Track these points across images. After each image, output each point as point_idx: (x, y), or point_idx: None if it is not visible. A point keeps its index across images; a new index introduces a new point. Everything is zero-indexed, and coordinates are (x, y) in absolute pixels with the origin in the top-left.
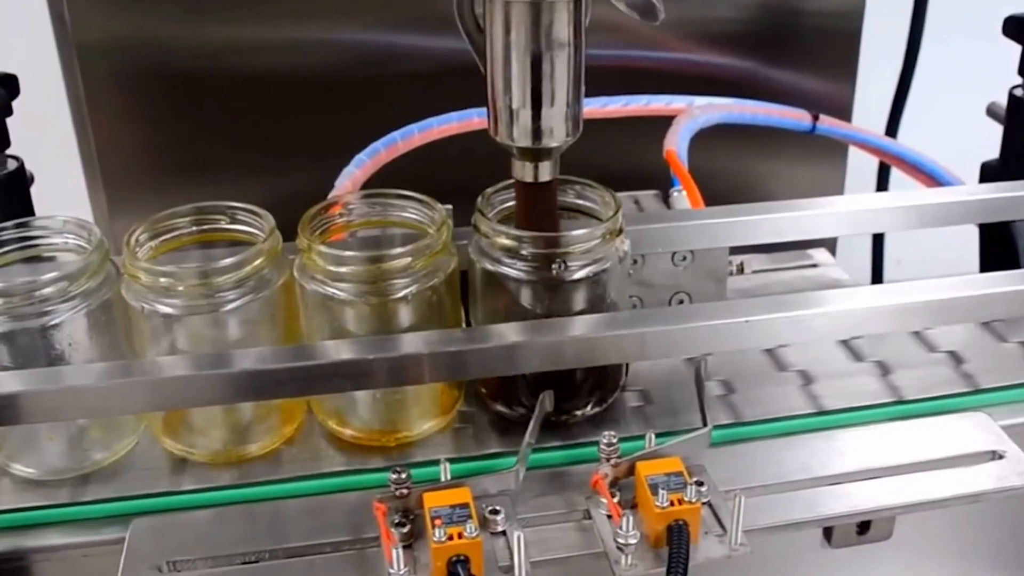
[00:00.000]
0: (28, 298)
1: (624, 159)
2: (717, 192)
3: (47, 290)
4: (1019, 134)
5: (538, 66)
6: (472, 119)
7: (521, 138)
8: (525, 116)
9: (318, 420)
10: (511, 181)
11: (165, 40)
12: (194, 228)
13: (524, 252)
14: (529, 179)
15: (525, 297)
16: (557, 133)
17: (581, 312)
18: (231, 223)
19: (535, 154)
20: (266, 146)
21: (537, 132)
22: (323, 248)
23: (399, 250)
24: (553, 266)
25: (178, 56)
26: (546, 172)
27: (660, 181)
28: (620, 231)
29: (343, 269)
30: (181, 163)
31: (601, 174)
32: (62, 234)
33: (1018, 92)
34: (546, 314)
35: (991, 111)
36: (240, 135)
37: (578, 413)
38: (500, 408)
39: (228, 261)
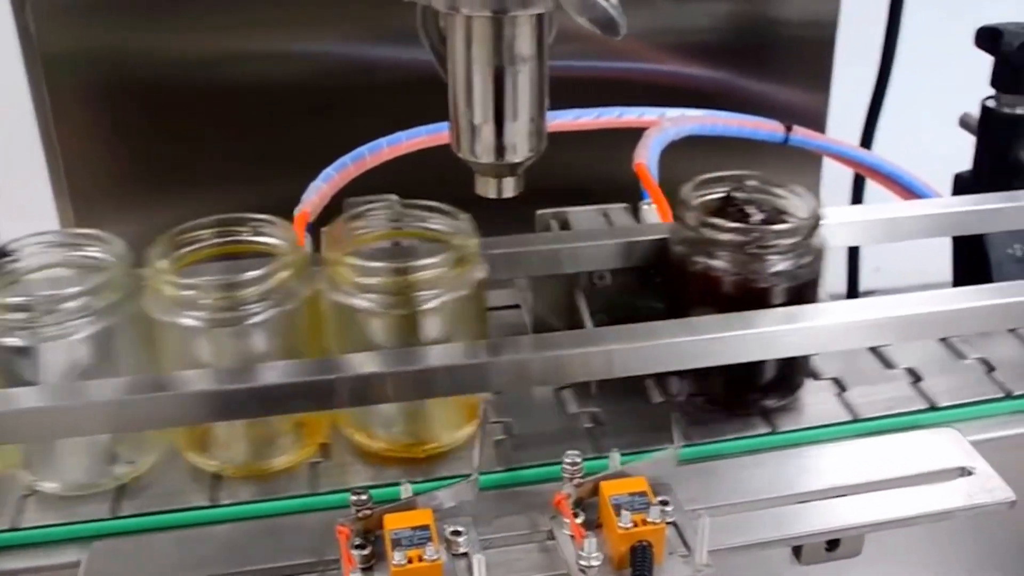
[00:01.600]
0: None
1: (596, 171)
2: None
3: (71, 304)
4: (991, 146)
5: (500, 81)
6: (443, 132)
7: (484, 154)
8: (487, 132)
9: (344, 434)
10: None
11: (133, 52)
12: (217, 240)
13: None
14: (492, 195)
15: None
16: (520, 149)
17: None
18: (254, 235)
19: (498, 170)
20: (236, 158)
21: (500, 148)
22: (351, 259)
23: (428, 260)
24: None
25: (146, 68)
26: (510, 188)
27: (632, 193)
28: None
29: (370, 280)
30: (149, 176)
31: (573, 186)
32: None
33: (990, 103)
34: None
35: (964, 122)
36: (210, 147)
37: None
38: None
39: (254, 273)
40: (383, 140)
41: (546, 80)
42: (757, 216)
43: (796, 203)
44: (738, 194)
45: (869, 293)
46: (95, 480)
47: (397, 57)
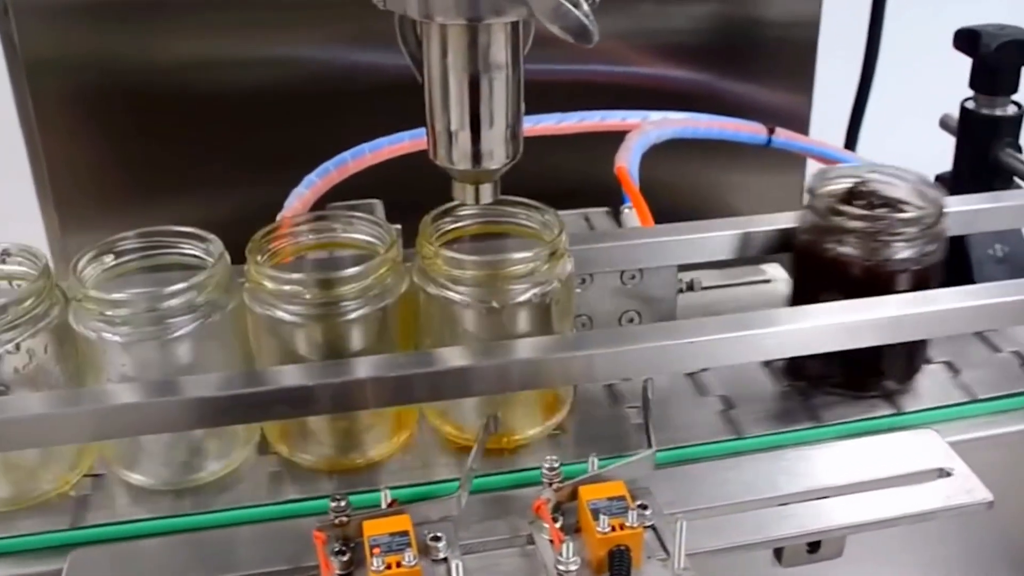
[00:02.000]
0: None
1: (579, 175)
2: (676, 204)
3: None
4: (971, 146)
5: (476, 88)
6: (424, 138)
7: (461, 161)
8: (464, 139)
9: (432, 425)
10: (455, 203)
11: (116, 58)
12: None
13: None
14: (470, 202)
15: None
16: (497, 155)
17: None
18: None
19: (475, 177)
20: (220, 163)
21: (477, 155)
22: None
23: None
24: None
25: (129, 74)
26: (487, 195)
27: (615, 197)
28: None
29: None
30: (134, 181)
31: (556, 190)
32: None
33: (969, 105)
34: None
35: (944, 123)
36: (193, 152)
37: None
38: None
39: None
40: (366, 145)
41: (522, 87)
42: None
43: (918, 193)
44: (863, 186)
45: None
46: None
47: (379, 62)
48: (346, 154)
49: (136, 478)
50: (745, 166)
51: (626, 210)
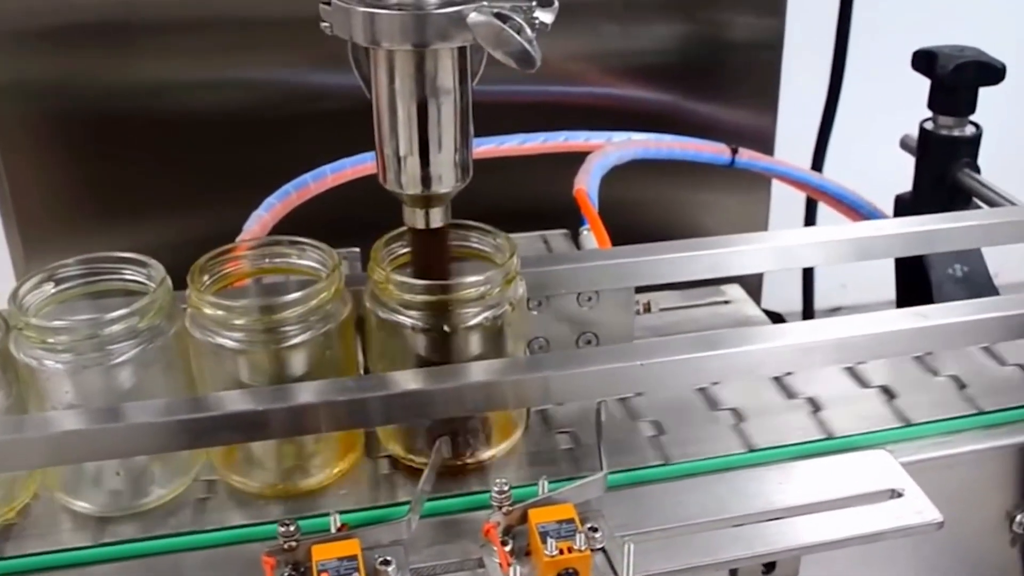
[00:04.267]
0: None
1: (541, 196)
2: (638, 226)
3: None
4: (930, 167)
5: (424, 113)
6: None
7: (410, 186)
8: (413, 164)
9: (384, 447)
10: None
11: (78, 81)
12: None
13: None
14: (420, 226)
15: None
16: (446, 179)
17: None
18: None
19: (425, 201)
20: (182, 186)
21: (426, 179)
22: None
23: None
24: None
25: (92, 97)
26: (437, 218)
27: (575, 218)
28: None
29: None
30: (98, 204)
31: (518, 211)
32: None
33: (928, 126)
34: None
35: (904, 144)
36: (155, 175)
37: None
38: None
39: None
40: (326, 168)
41: (470, 110)
42: None
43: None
44: None
45: (836, 310)
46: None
47: (339, 83)
48: (307, 176)
49: (80, 505)
50: (710, 188)
51: (584, 232)
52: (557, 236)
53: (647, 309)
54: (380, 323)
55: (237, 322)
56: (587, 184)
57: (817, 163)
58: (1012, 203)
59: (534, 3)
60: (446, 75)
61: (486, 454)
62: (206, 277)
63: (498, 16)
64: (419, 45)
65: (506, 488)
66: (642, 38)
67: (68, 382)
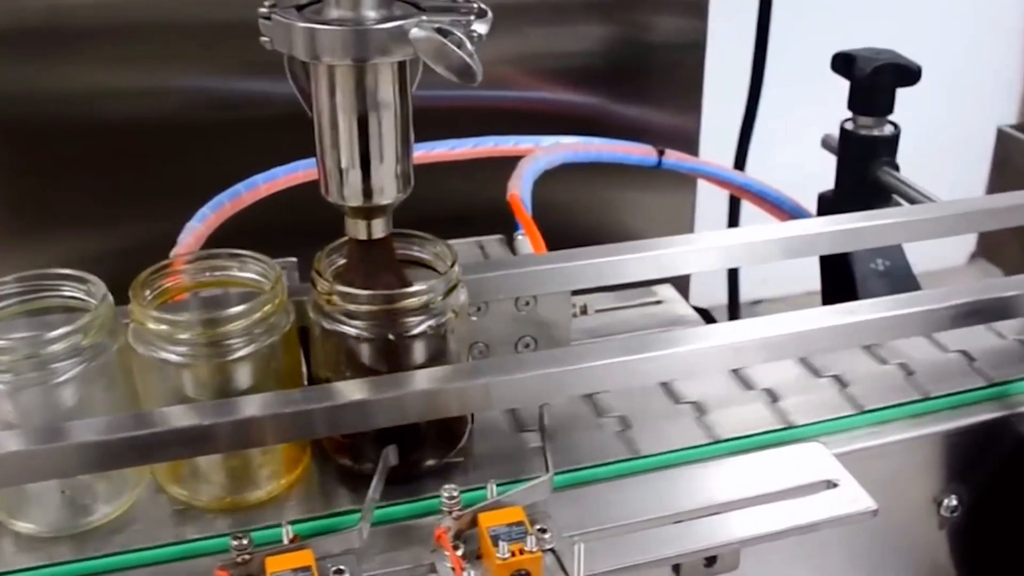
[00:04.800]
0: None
1: (472, 202)
2: (569, 227)
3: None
4: (851, 165)
5: (365, 127)
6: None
7: (352, 197)
8: (355, 176)
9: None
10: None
11: (3, 90)
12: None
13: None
14: (362, 237)
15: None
16: (388, 191)
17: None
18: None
19: (367, 212)
20: (110, 197)
21: (368, 191)
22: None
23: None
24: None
25: (14, 106)
26: (379, 229)
27: (508, 223)
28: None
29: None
30: (24, 218)
31: (449, 217)
32: None
33: (848, 126)
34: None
35: (826, 143)
36: (82, 186)
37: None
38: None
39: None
40: (259, 177)
41: (411, 121)
42: None
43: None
44: None
45: (757, 303)
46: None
47: (271, 91)
48: (239, 186)
49: (22, 526)
50: (638, 189)
51: (519, 237)
52: (492, 242)
53: (584, 311)
54: (325, 334)
55: (182, 336)
56: (520, 189)
57: (739, 162)
58: (930, 199)
59: (472, 16)
60: (386, 89)
61: (432, 460)
62: (147, 292)
63: (439, 31)
64: (360, 60)
65: (456, 493)
66: (568, 41)
67: (8, 402)
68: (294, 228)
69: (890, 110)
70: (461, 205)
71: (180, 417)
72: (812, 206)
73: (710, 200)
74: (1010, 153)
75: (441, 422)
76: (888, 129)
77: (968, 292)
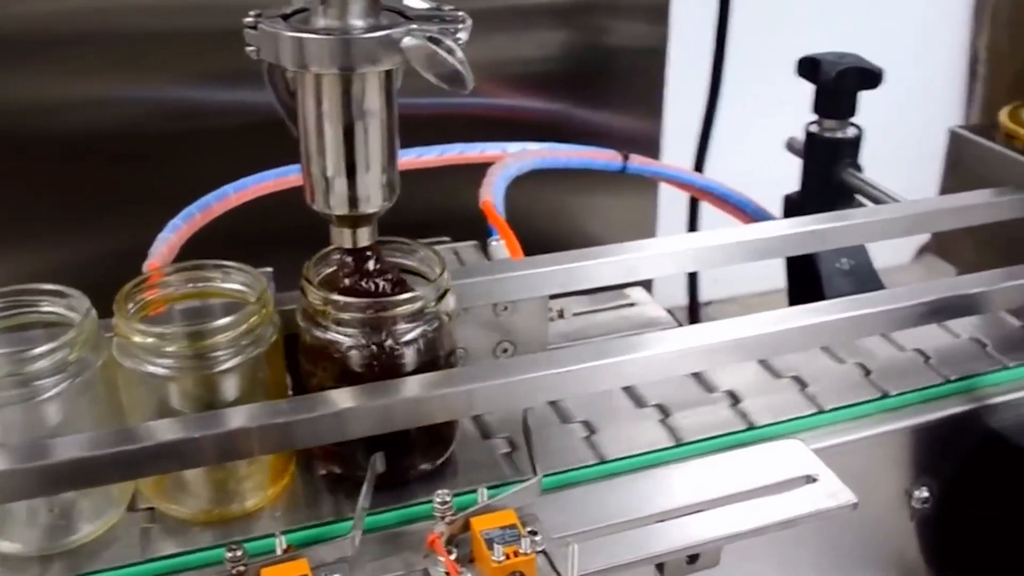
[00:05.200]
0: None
1: (443, 209)
2: (533, 231)
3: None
4: (816, 168)
5: (351, 135)
6: (289, 176)
7: (338, 206)
8: (341, 184)
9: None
10: (332, 247)
11: None
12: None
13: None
14: (348, 245)
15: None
16: (374, 199)
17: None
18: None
19: (353, 221)
20: (83, 209)
21: (354, 200)
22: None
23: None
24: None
25: None
26: (365, 237)
27: (480, 228)
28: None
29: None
30: None
31: (422, 225)
32: None
33: (813, 128)
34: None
35: (790, 146)
36: (54, 199)
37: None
38: None
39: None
40: (229, 187)
41: (396, 128)
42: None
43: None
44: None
45: (707, 304)
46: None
47: (242, 100)
48: (209, 197)
49: (7, 545)
50: (602, 193)
51: (494, 243)
52: (468, 248)
53: (560, 315)
54: (315, 342)
55: (168, 349)
56: (492, 195)
57: (699, 165)
58: (893, 199)
59: (460, 24)
60: (374, 97)
61: (425, 465)
62: (131, 304)
63: (431, 40)
64: (348, 69)
65: (448, 499)
66: (531, 47)
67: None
68: (265, 237)
69: (853, 113)
70: (430, 212)
71: (167, 431)
72: (775, 208)
73: (672, 202)
74: (962, 154)
75: (431, 428)
76: (851, 131)
77: (933, 290)
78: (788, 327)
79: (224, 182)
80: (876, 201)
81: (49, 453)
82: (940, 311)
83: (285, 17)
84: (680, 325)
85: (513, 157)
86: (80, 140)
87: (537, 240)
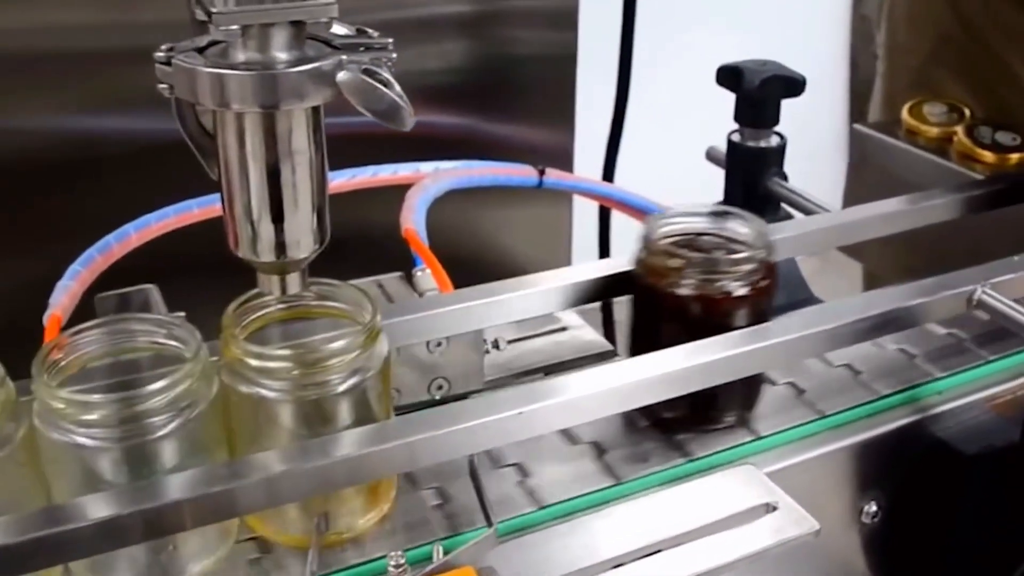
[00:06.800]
0: None
1: (360, 235)
2: (450, 247)
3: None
4: (740, 177)
5: (277, 177)
6: (192, 211)
7: (265, 253)
8: (267, 230)
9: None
10: (255, 291)
11: None
12: None
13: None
14: (276, 293)
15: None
16: (304, 244)
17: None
18: None
19: (281, 267)
20: None
21: (282, 246)
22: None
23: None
24: None
25: None
26: (294, 284)
27: (398, 252)
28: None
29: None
30: None
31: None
32: None
33: (736, 138)
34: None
35: (710, 156)
36: None
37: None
38: None
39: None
40: (129, 226)
41: (326, 167)
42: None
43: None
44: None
45: None
46: None
47: (142, 127)
48: (109, 237)
49: None
50: (519, 206)
51: (419, 273)
52: (392, 280)
53: (496, 346)
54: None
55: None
56: (415, 223)
57: (607, 176)
58: (821, 208)
59: (392, 53)
60: (301, 135)
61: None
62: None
63: (366, 72)
64: (273, 106)
65: (403, 560)
66: (435, 60)
67: None
68: (170, 279)
69: (776, 121)
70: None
71: (98, 507)
72: None
73: (586, 212)
74: (866, 152)
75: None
76: (775, 140)
77: (874, 305)
78: (727, 355)
79: (122, 213)
80: (804, 211)
81: None
82: (883, 326)
83: (200, 51)
84: (614, 347)
85: (430, 178)
86: None
87: (454, 257)
